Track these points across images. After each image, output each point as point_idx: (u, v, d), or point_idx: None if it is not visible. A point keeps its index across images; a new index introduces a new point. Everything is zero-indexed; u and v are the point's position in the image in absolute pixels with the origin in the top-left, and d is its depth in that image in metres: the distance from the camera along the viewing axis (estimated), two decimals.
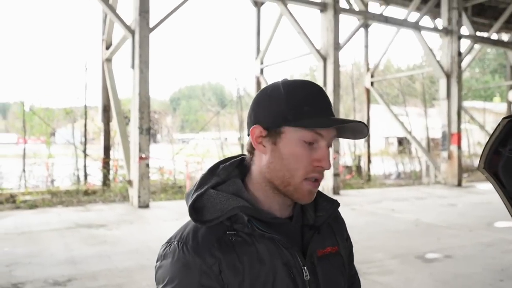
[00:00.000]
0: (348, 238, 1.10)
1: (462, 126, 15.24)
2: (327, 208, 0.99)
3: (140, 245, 5.96)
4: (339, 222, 1.08)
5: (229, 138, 21.40)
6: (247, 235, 0.89)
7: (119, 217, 8.14)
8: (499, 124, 1.02)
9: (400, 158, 17.99)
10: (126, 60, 9.32)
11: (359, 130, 0.91)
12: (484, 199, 10.77)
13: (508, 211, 1.29)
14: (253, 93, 14.87)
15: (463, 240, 6.41)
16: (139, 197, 9.03)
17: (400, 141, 24.16)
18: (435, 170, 14.46)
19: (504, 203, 1.26)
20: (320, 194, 1.02)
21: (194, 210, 0.90)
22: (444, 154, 13.81)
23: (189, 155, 15.41)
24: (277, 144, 0.90)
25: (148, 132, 9.14)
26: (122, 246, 5.91)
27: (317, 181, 0.92)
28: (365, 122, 16.26)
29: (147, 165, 9.17)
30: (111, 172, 12.10)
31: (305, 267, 0.92)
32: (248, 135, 0.94)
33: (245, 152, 1.00)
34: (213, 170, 0.98)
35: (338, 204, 1.01)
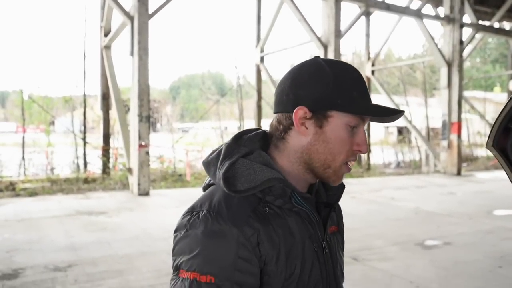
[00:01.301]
0: (342, 218, 1.12)
1: (462, 115, 15.19)
2: (336, 188, 1.00)
3: (140, 232, 5.97)
4: (338, 205, 1.10)
5: (229, 127, 21.38)
6: (278, 208, 0.89)
7: (119, 204, 8.14)
8: (510, 99, 0.99)
9: (400, 148, 17.98)
10: (125, 47, 9.25)
11: (395, 114, 0.91)
12: (483, 188, 10.79)
13: None
14: (253, 81, 14.79)
15: (462, 227, 6.42)
16: (139, 184, 9.02)
17: (400, 131, 24.14)
18: (434, 159, 14.45)
19: (511, 182, 1.24)
20: None
21: (226, 178, 0.86)
22: (444, 143, 13.79)
23: (189, 144, 15.40)
24: (323, 127, 0.89)
25: (147, 119, 9.10)
26: (122, 233, 5.92)
27: (351, 164, 0.93)
28: None
29: (147, 153, 9.15)
30: (111, 160, 12.10)
31: (324, 242, 0.95)
32: (275, 112, 0.93)
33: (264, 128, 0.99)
34: (237, 139, 0.94)
35: (344, 186, 1.02)
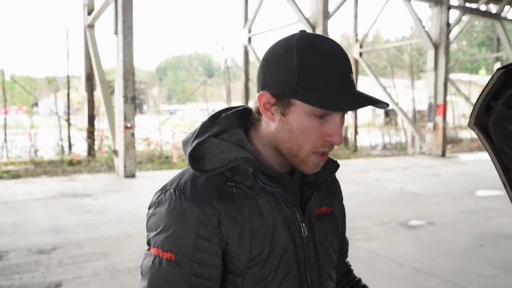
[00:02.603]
0: (342, 200, 1.08)
1: (448, 98, 15.32)
2: (327, 168, 0.94)
3: (126, 214, 5.95)
4: (335, 184, 1.06)
5: (216, 109, 21.20)
6: (248, 188, 0.86)
7: (105, 186, 8.08)
8: (493, 76, 0.98)
9: (387, 130, 18.12)
10: (110, 26, 9.06)
11: (378, 103, 0.82)
12: (467, 169, 10.97)
13: (496, 168, 1.28)
14: (241, 63, 14.65)
15: (446, 208, 6.54)
16: (125, 167, 8.95)
17: (387, 113, 24.28)
18: (420, 141, 14.61)
19: (493, 161, 1.24)
20: None
21: (194, 158, 0.86)
22: (430, 125, 13.93)
23: (176, 126, 15.30)
24: (286, 115, 0.83)
25: (133, 101, 8.97)
26: (108, 215, 5.89)
27: (325, 153, 0.86)
28: None
29: (133, 135, 9.06)
30: (96, 142, 11.96)
31: (303, 224, 0.90)
32: (258, 91, 0.87)
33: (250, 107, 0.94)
34: (214, 118, 0.93)
35: (338, 165, 0.97)
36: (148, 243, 0.85)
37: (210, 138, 0.88)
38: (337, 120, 0.82)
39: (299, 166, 0.87)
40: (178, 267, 0.81)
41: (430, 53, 13.78)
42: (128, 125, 8.91)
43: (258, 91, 0.87)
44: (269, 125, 0.87)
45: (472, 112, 1.13)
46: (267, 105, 0.84)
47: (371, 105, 0.81)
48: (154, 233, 0.83)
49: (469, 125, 1.19)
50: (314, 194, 0.92)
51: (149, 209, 0.88)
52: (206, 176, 0.85)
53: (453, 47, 33.59)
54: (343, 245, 1.11)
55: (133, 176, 9.06)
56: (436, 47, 13.62)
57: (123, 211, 6.09)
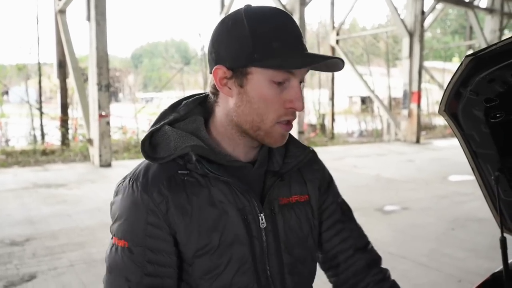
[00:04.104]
0: (326, 187, 1.01)
1: (422, 85, 15.60)
2: (296, 155, 0.93)
3: (102, 203, 5.85)
4: (314, 171, 1.00)
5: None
6: (201, 177, 0.85)
7: (80, 176, 7.93)
8: (461, 63, 0.99)
9: (363, 117, 18.36)
10: (82, 12, 8.78)
11: (334, 64, 0.83)
12: (440, 155, 11.25)
13: (465, 154, 1.31)
14: None
15: (419, 193, 6.70)
16: (100, 156, 8.80)
17: (363, 100, 24.59)
18: (395, 128, 14.87)
19: (462, 146, 1.27)
20: (293, 140, 0.95)
21: (148, 146, 0.86)
22: (405, 112, 14.18)
23: (152, 114, 15.08)
24: (244, 86, 0.81)
25: (107, 88, 8.79)
26: (84, 205, 5.79)
27: (289, 123, 0.85)
28: (330, 81, 16.36)
29: (108, 123, 8.89)
30: (70, 131, 11.69)
31: (261, 214, 0.87)
32: (211, 73, 0.85)
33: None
34: (175, 106, 0.93)
35: (310, 152, 0.95)
36: (111, 232, 0.87)
37: (164, 127, 0.88)
38: (296, 85, 0.82)
39: (265, 140, 0.85)
40: (131, 254, 0.82)
41: (405, 41, 13.96)
42: (103, 113, 8.73)
43: (210, 71, 0.85)
44: (227, 102, 0.85)
45: (442, 98, 1.15)
46: (224, 80, 0.82)
47: (327, 60, 0.80)
48: (112, 221, 0.86)
49: (439, 111, 1.22)
50: (275, 183, 0.89)
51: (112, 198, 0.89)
52: (158, 164, 0.85)
53: (428, 35, 34.10)
54: (340, 230, 1.01)
55: (109, 165, 8.92)
56: (411, 35, 13.79)
57: (99, 201, 6.00)
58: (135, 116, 13.38)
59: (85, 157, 9.92)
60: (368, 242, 1.05)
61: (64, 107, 11.56)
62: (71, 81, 10.94)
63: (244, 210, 0.86)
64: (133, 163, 9.44)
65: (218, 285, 0.85)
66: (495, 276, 1.44)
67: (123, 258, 0.83)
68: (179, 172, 0.84)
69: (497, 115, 1.10)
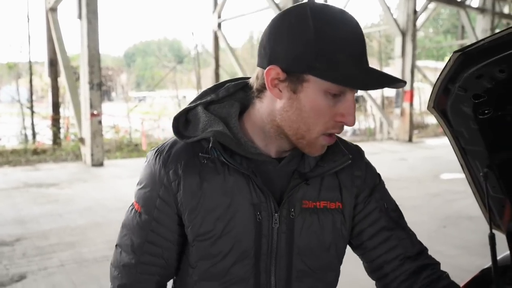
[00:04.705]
0: (368, 194, 0.93)
1: (415, 84, 15.68)
2: (333, 160, 0.86)
3: (94, 203, 5.81)
4: (354, 177, 0.92)
5: (188, 96, 20.95)
6: (221, 164, 0.83)
7: (72, 175, 7.87)
8: (449, 59, 0.99)
9: (356, 116, 18.39)
10: (73, 10, 8.70)
11: (398, 82, 0.76)
12: (432, 154, 11.32)
13: (454, 151, 1.31)
14: (211, 49, 14.45)
15: (412, 191, 6.73)
16: (92, 155, 8.74)
17: (357, 99, 24.63)
18: (388, 126, 14.93)
19: (451, 143, 1.27)
20: (336, 143, 0.88)
21: (182, 122, 0.87)
22: (397, 111, 14.24)
23: (145, 113, 15.02)
24: (297, 93, 0.76)
25: (99, 87, 8.72)
26: (75, 205, 5.74)
27: (333, 135, 0.81)
28: None
29: (100, 122, 8.83)
30: (62, 130, 11.59)
31: (276, 214, 0.83)
32: (259, 66, 0.80)
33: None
34: (217, 87, 0.91)
35: (348, 159, 0.87)
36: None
37: (199, 107, 0.88)
38: (352, 99, 0.77)
39: (305, 149, 0.82)
40: (140, 219, 0.88)
41: (398, 40, 14.01)
42: (95, 112, 8.67)
43: (261, 65, 0.80)
44: (273, 103, 0.80)
45: (431, 95, 1.15)
46: (275, 81, 0.77)
47: (392, 83, 0.74)
48: (137, 184, 0.91)
49: (428, 108, 1.22)
50: (300, 185, 0.84)
51: None
52: (184, 142, 0.85)
53: (420, 34, 34.28)
54: (386, 239, 0.93)
55: (101, 164, 8.86)
56: (403, 34, 13.85)
57: (90, 200, 5.96)
58: (128, 115, 13.30)
59: (77, 157, 9.84)
60: (422, 250, 0.96)
61: (56, 106, 11.46)
62: (62, 80, 10.85)
63: (259, 206, 0.83)
64: (126, 162, 9.44)
65: (215, 271, 0.85)
66: (484, 272, 1.44)
67: (134, 220, 0.89)
68: (200, 154, 0.84)
69: (486, 112, 1.10)
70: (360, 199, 0.92)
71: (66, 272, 3.56)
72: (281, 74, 0.76)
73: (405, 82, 0.76)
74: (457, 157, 1.27)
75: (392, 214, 0.95)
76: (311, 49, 0.72)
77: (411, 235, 0.96)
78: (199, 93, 0.91)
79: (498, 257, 1.44)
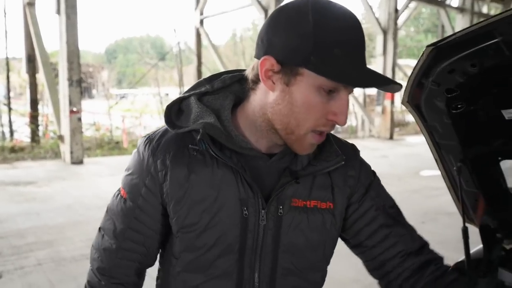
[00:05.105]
0: (362, 194, 0.91)
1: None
2: (326, 160, 0.85)
3: (73, 201, 5.71)
4: (347, 177, 0.90)
5: (170, 94, 20.78)
6: (211, 157, 0.82)
7: (50, 173, 7.72)
8: (422, 54, 1.00)
9: None
10: (51, 5, 8.53)
11: (391, 86, 0.75)
12: (412, 151, 11.49)
13: (428, 145, 1.32)
14: (193, 46, 14.34)
15: (392, 188, 6.75)
16: (71, 153, 8.59)
17: None
18: (369, 124, 15.10)
19: (425, 138, 1.28)
20: (330, 142, 0.87)
21: (174, 112, 0.86)
22: (379, 109, 14.41)
23: (126, 111, 14.84)
24: (290, 86, 0.75)
25: (79, 84, 8.57)
26: (53, 203, 5.63)
27: (323, 134, 0.80)
28: None
29: (79, 119, 8.68)
30: (41, 127, 11.36)
31: (263, 210, 0.82)
32: (256, 57, 0.79)
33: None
34: (213, 78, 0.90)
35: (341, 160, 0.86)
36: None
37: (192, 97, 0.86)
38: (345, 98, 0.75)
39: (293, 145, 0.80)
40: (125, 205, 0.88)
41: (379, 38, 14.17)
42: (74, 109, 8.52)
43: (257, 56, 0.78)
44: (266, 95, 0.79)
45: (405, 89, 1.16)
46: (269, 72, 0.76)
47: (388, 85, 0.73)
48: (125, 169, 0.91)
49: (402, 102, 1.22)
50: (290, 183, 0.83)
51: None
52: (175, 132, 0.84)
53: (402, 33, 34.72)
54: (385, 236, 0.91)
55: (80, 162, 8.71)
56: (385, 32, 14.00)
57: (69, 198, 5.85)
58: (109, 113, 13.12)
59: (56, 154, 9.66)
60: (423, 244, 0.96)
61: (34, 103, 11.23)
62: (41, 76, 10.63)
63: (246, 202, 0.82)
64: (106, 160, 9.31)
65: (198, 263, 0.85)
66: (457, 266, 1.46)
67: (118, 205, 0.89)
68: (190, 146, 0.83)
69: (459, 106, 1.11)
70: (354, 199, 0.91)
71: (43, 271, 3.49)
72: (275, 65, 0.75)
73: (400, 85, 0.75)
74: (432, 152, 1.28)
75: (389, 210, 0.94)
76: (308, 42, 0.71)
77: (411, 230, 0.96)
78: (194, 84, 0.90)
79: (472, 251, 1.46)
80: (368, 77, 0.74)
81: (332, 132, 0.85)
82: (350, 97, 0.78)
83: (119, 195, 0.90)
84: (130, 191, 0.87)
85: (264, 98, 0.79)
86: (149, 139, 0.86)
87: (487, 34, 0.86)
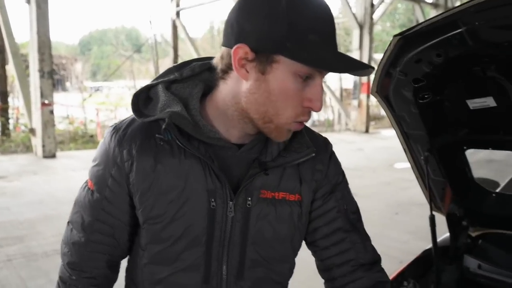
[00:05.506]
0: (328, 191, 0.90)
1: (372, 76, 16.07)
2: (296, 151, 0.83)
3: (45, 195, 5.58)
4: (315, 171, 0.89)
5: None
6: (178, 147, 0.80)
7: (21, 168, 7.50)
8: (390, 43, 1.01)
9: None
10: None
11: (364, 70, 0.75)
12: (387, 144, 11.69)
13: (397, 135, 1.35)
14: (169, 38, 14.16)
15: (367, 180, 6.93)
16: (43, 146, 8.37)
17: None
18: (346, 118, 15.28)
19: (394, 128, 1.31)
20: (301, 134, 0.86)
21: (142, 100, 0.84)
22: (355, 102, 14.58)
23: (101, 103, 14.57)
24: (266, 74, 0.73)
25: (50, 75, 8.33)
26: (24, 197, 5.48)
27: (302, 123, 0.79)
28: None
29: (52, 112, 8.45)
30: (11, 120, 11.03)
31: (232, 202, 0.81)
32: (224, 45, 0.76)
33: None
34: (182, 65, 0.87)
35: (311, 152, 0.84)
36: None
37: (159, 85, 0.84)
38: (320, 83, 0.74)
39: (272, 134, 0.78)
40: (92, 197, 0.86)
41: (355, 32, 14.30)
42: (46, 101, 8.29)
43: (227, 44, 0.75)
44: (239, 84, 0.76)
45: (374, 80, 1.17)
46: (243, 61, 0.73)
47: (362, 69, 0.73)
48: (92, 160, 0.89)
49: (371, 92, 1.24)
50: (259, 174, 0.81)
51: None
52: (142, 121, 0.82)
53: (378, 28, 35.17)
54: (339, 241, 0.91)
55: (53, 156, 8.51)
56: (361, 27, 14.14)
57: (41, 193, 5.71)
58: (82, 105, 12.84)
59: (28, 148, 9.40)
60: (376, 260, 0.93)
61: (4, 95, 10.88)
62: (11, 68, 10.28)
63: (214, 193, 0.80)
64: (80, 154, 9.13)
65: (165, 255, 0.84)
66: (425, 253, 1.51)
67: (86, 197, 0.88)
68: (157, 136, 0.81)
69: (425, 96, 1.13)
70: (319, 194, 0.90)
71: (13, 267, 3.40)
72: (249, 54, 0.72)
73: (373, 68, 0.76)
74: (400, 142, 1.31)
75: (351, 216, 0.93)
76: (282, 28, 0.69)
77: (366, 240, 0.94)
78: (163, 71, 0.87)
79: (440, 239, 1.50)
80: (345, 61, 0.73)
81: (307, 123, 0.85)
82: (327, 91, 0.78)
83: (86, 187, 0.88)
84: (97, 183, 0.86)
85: (236, 87, 0.77)
86: (116, 128, 0.84)
87: (451, 24, 0.88)
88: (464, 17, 0.85)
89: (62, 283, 0.93)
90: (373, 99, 19.55)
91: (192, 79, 0.86)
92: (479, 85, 1.02)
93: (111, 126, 0.86)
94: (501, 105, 1.04)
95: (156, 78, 0.86)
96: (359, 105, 14.39)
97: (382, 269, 0.94)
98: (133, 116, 0.84)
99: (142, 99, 0.84)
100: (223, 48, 0.78)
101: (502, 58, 0.93)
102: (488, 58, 0.92)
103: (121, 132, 0.83)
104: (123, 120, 0.86)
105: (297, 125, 0.79)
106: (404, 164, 8.27)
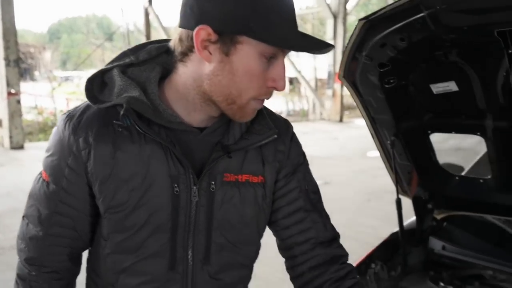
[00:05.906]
0: (290, 171, 0.91)
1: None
2: (259, 133, 0.83)
3: (12, 188, 5.41)
4: (277, 152, 0.89)
5: None
6: (137, 132, 0.77)
7: None
8: (355, 28, 1.01)
9: (291, 97, 18.76)
10: None
11: (322, 48, 0.76)
12: (361, 133, 11.85)
13: (364, 120, 1.36)
14: (142, 26, 13.87)
15: (340, 168, 7.03)
16: (10, 137, 8.13)
17: (291, 81, 25.12)
18: (320, 107, 15.41)
19: (361, 113, 1.32)
20: (262, 116, 0.85)
21: (97, 85, 0.80)
22: (329, 92, 14.73)
23: (71, 93, 14.20)
24: (230, 55, 0.72)
25: (17, 64, 8.05)
26: None
27: (263, 100, 0.80)
28: None
29: (19, 102, 8.20)
30: None
31: (195, 187, 0.80)
32: (183, 27, 0.74)
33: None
34: (138, 48, 0.84)
35: (273, 133, 0.84)
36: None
37: (114, 69, 0.81)
38: (282, 63, 0.75)
39: (235, 115, 0.78)
40: (48, 189, 0.83)
41: (330, 22, 14.39)
42: (12, 91, 8.01)
43: (185, 26, 0.74)
44: (201, 67, 0.75)
45: (341, 64, 1.18)
46: (205, 43, 0.72)
47: (325, 48, 0.74)
48: (45, 151, 0.86)
49: (339, 77, 1.25)
50: (222, 158, 0.81)
51: None
52: (97, 108, 0.79)
53: (352, 18, 35.47)
54: (300, 220, 0.92)
55: (21, 147, 8.27)
56: (335, 17, 14.23)
57: (8, 185, 5.53)
58: (52, 95, 12.47)
59: None
60: (335, 237, 0.95)
61: None
62: None
63: (177, 178, 0.80)
64: None
65: (128, 244, 0.82)
66: (393, 237, 1.54)
67: (41, 190, 0.84)
68: (114, 122, 0.78)
69: (391, 81, 1.15)
70: (282, 175, 0.90)
71: None
72: (212, 35, 0.71)
73: (333, 46, 0.77)
74: (367, 127, 1.32)
75: (311, 196, 0.94)
76: (245, 8, 0.69)
77: (325, 219, 0.96)
78: (117, 55, 0.85)
79: (407, 222, 1.54)
80: (307, 40, 0.75)
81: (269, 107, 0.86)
82: (302, 82, 0.79)
83: (41, 178, 0.85)
84: (52, 174, 0.83)
85: (198, 70, 0.76)
86: (69, 116, 0.81)
87: (414, 8, 0.89)
88: (426, 1, 0.86)
89: (21, 280, 0.90)
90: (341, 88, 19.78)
91: (149, 62, 0.84)
92: (442, 69, 1.04)
93: (64, 113, 0.83)
94: (462, 90, 1.07)
95: (111, 62, 0.83)
96: (334, 94, 14.54)
97: (341, 245, 0.96)
98: (88, 102, 0.81)
99: (97, 84, 0.81)
100: (181, 30, 0.76)
101: (463, 43, 0.94)
102: (450, 43, 0.94)
103: (76, 119, 0.80)
104: (77, 107, 0.83)
105: (260, 102, 0.79)
106: (377, 153, 8.41)
